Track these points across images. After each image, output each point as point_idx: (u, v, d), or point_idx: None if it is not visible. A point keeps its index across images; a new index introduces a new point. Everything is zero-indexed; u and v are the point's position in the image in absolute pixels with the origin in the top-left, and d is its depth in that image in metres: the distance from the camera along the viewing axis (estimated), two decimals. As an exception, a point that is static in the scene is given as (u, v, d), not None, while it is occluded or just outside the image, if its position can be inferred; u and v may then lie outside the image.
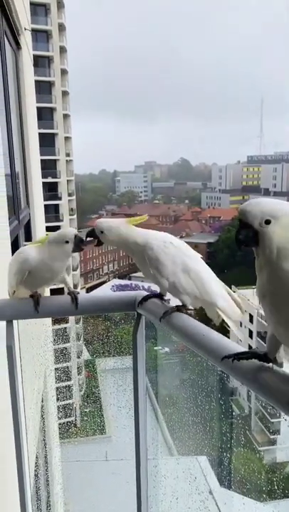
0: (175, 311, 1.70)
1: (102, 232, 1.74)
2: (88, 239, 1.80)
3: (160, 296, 1.83)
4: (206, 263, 1.78)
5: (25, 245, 1.92)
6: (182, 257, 1.72)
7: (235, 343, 1.38)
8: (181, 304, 1.75)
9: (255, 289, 1.10)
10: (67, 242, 1.77)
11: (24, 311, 1.88)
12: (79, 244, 1.79)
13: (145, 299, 1.87)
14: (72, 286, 1.95)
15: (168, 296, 1.84)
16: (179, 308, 1.72)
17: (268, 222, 1.00)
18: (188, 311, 1.77)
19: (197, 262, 1.75)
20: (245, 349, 1.26)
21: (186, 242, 1.83)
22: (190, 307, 1.76)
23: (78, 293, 1.90)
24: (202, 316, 1.97)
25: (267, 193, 78.47)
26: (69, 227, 1.85)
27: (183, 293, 1.73)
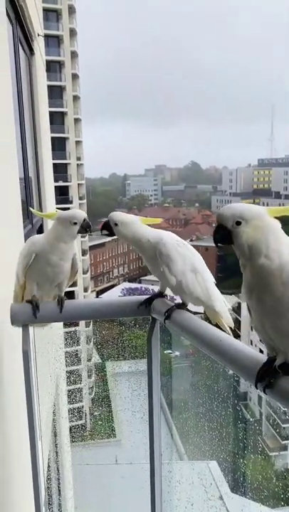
0: (176, 309, 1.76)
1: (116, 224, 1.75)
2: (104, 232, 1.81)
3: (161, 294, 1.88)
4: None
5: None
6: (192, 258, 1.78)
7: (247, 346, 1.37)
8: (181, 302, 1.81)
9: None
10: (75, 223, 1.77)
11: (40, 316, 1.88)
12: (86, 228, 1.79)
13: (149, 302, 1.89)
14: (63, 293, 1.92)
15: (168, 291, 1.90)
16: (179, 306, 1.78)
17: (238, 223, 1.15)
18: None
19: (203, 266, 1.81)
20: (259, 355, 1.28)
21: (197, 245, 1.87)
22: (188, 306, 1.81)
23: (66, 298, 1.90)
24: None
25: (278, 196, 77.91)
26: (79, 210, 1.83)
27: (187, 293, 1.78)
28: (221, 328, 1.77)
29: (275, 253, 1.11)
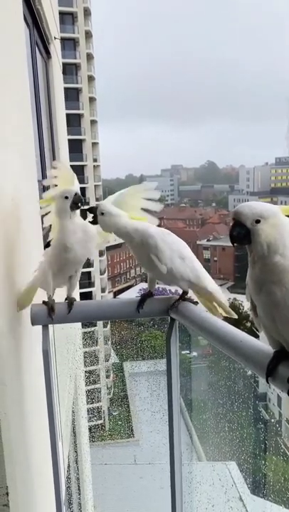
0: (181, 301, 1.84)
1: (102, 213, 1.79)
2: (88, 215, 1.88)
3: (151, 294, 1.95)
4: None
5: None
6: (178, 246, 1.84)
7: (266, 345, 1.37)
8: (181, 291, 1.87)
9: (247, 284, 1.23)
10: (66, 197, 1.84)
11: (59, 316, 1.90)
12: (76, 202, 1.85)
13: (142, 302, 1.93)
14: (72, 293, 1.97)
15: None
16: (183, 297, 1.86)
17: (258, 221, 1.15)
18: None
19: (190, 252, 1.89)
20: (267, 348, 1.29)
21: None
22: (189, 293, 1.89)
23: (75, 300, 1.95)
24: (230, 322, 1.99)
25: (296, 194, 76.87)
26: (72, 186, 1.91)
27: (179, 278, 1.84)
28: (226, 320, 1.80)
29: None
